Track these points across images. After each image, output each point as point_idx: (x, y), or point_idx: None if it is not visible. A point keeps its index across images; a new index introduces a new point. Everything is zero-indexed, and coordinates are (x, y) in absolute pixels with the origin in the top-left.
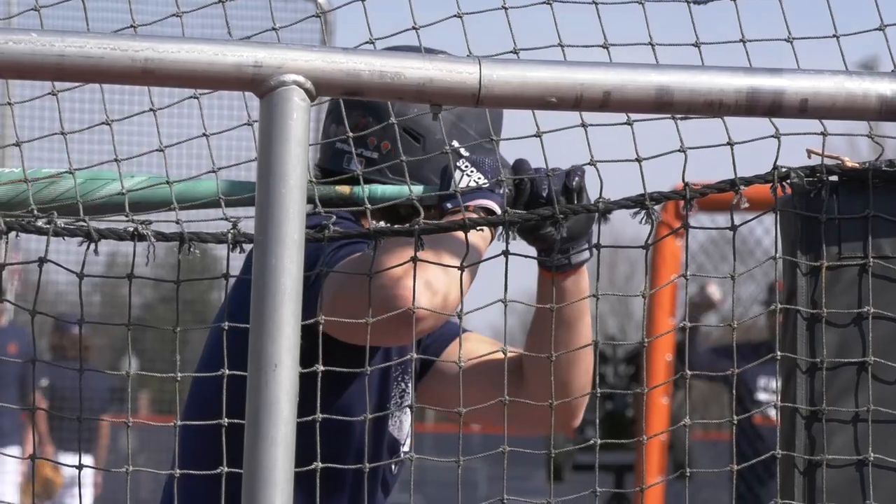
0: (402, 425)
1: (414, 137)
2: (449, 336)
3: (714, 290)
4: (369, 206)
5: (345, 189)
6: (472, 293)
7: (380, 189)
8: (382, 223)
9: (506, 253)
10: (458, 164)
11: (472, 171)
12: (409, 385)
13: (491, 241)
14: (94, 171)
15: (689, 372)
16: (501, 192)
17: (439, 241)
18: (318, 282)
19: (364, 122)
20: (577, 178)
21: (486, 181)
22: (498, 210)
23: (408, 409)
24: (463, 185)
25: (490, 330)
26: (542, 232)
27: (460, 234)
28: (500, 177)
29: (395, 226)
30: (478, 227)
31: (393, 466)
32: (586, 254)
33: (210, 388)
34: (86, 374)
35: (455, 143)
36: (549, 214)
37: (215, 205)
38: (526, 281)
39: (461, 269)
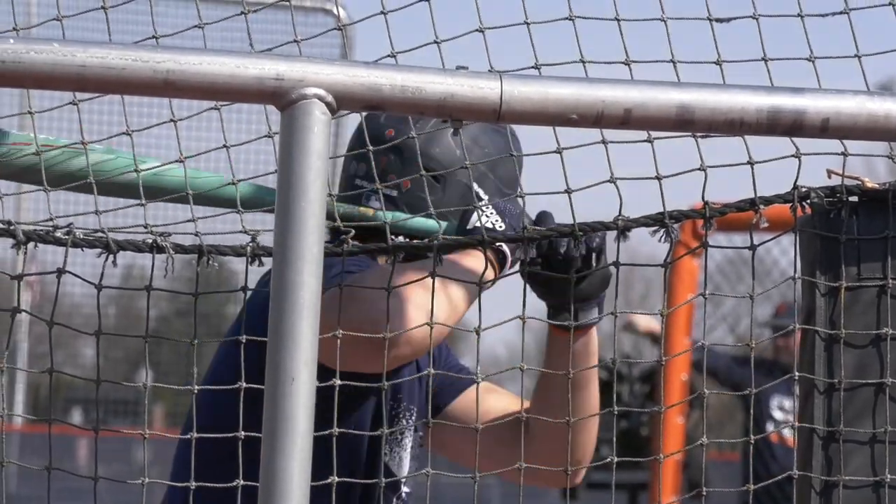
0: (402, 462)
1: (435, 178)
2: (463, 385)
3: (640, 320)
4: (389, 226)
5: (368, 210)
6: (488, 310)
7: (401, 216)
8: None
9: (523, 271)
10: (481, 208)
11: (492, 214)
12: (411, 422)
13: (494, 279)
14: (108, 147)
15: (706, 391)
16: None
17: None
18: None
19: (385, 161)
20: (597, 240)
21: (503, 225)
22: (509, 254)
23: (408, 447)
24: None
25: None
26: (555, 284)
27: (461, 263)
28: (523, 225)
29: (415, 241)
30: (496, 244)
31: (394, 500)
32: (596, 314)
33: (222, 402)
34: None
35: (475, 186)
36: (569, 231)
37: (231, 206)
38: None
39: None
